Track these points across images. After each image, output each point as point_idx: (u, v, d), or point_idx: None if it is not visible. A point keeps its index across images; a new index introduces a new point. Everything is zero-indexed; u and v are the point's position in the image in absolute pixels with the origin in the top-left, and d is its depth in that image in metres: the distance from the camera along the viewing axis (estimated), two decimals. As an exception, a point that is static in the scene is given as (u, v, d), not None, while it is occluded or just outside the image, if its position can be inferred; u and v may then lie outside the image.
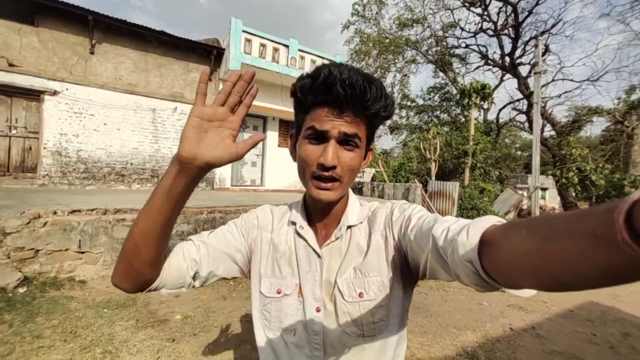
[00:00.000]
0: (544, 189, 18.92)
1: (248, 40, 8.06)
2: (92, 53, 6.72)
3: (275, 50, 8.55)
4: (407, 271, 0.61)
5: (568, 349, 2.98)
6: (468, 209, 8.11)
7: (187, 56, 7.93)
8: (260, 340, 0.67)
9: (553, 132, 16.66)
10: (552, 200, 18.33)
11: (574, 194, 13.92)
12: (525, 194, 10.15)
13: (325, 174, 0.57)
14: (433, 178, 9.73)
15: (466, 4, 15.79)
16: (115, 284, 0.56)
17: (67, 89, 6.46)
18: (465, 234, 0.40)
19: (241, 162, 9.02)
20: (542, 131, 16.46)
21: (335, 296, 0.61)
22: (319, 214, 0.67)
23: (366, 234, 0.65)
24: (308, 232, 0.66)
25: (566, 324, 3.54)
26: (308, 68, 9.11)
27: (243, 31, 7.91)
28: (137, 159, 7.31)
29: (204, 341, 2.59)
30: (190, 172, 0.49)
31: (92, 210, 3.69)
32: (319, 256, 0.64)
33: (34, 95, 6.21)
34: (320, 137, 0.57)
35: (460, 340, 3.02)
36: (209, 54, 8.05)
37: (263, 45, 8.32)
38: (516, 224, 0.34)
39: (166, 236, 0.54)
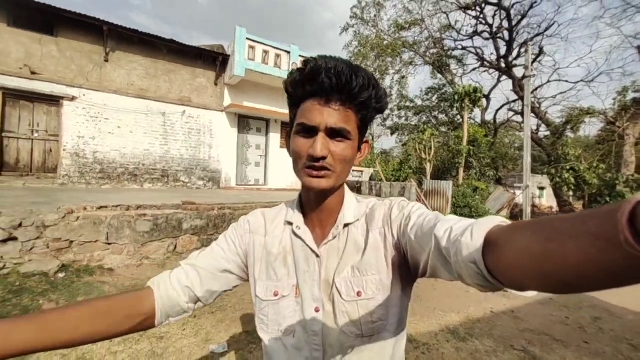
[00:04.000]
0: (541, 188, 19.26)
1: (252, 48, 8.48)
2: (106, 61, 7.15)
3: (278, 56, 8.97)
4: (406, 270, 0.60)
5: (540, 328, 3.36)
6: (461, 207, 8.53)
7: (194, 62, 8.36)
8: (263, 344, 0.67)
9: (548, 133, 17.04)
10: (549, 199, 18.65)
11: (570, 193, 14.31)
12: (517, 192, 10.55)
13: (316, 164, 0.57)
14: (428, 177, 10.16)
15: (462, 8, 16.19)
16: None
17: (84, 95, 6.91)
18: (469, 234, 0.40)
19: (245, 162, 9.45)
20: (537, 131, 16.86)
21: (334, 295, 0.61)
22: (315, 211, 0.66)
23: (364, 231, 0.64)
24: (305, 232, 0.66)
25: (543, 309, 3.90)
26: (309, 73, 9.54)
27: (247, 39, 8.33)
28: (148, 160, 7.75)
29: (221, 317, 3.02)
30: None
31: (117, 206, 4.12)
32: (317, 256, 0.64)
33: (54, 101, 6.67)
34: (310, 131, 0.57)
35: (445, 320, 3.40)
36: (215, 60, 8.48)
37: (266, 52, 8.74)
38: (521, 225, 0.34)
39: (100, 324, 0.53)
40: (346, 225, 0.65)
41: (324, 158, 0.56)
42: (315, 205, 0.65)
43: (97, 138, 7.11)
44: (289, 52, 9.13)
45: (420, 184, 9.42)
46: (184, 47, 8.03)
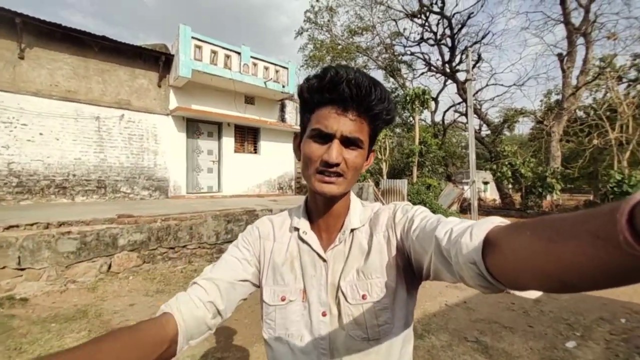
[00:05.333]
0: (485, 183, 20.97)
1: (198, 47, 8.00)
2: (21, 58, 6.20)
3: (227, 57, 8.58)
4: (410, 272, 0.61)
5: (489, 316, 3.51)
6: (416, 204, 8.84)
7: (132, 62, 7.64)
8: (268, 351, 0.67)
9: (489, 132, 18.64)
10: (492, 193, 20.39)
11: (509, 185, 15.73)
12: (465, 187, 11.27)
13: (329, 169, 0.58)
14: (385, 177, 10.44)
15: (409, 16, 17.10)
16: None
17: (-8, 97, 5.91)
18: (468, 235, 0.40)
19: (197, 168, 8.86)
20: (479, 131, 18.35)
21: (340, 299, 0.62)
22: (322, 216, 0.67)
23: (367, 235, 0.66)
24: (312, 237, 0.67)
25: (491, 296, 4.09)
26: (261, 75, 9.28)
27: (193, 37, 7.84)
28: (80, 169, 6.86)
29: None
30: None
31: (32, 224, 3.51)
32: (324, 260, 0.65)
33: (-48, 104, 5.60)
34: (325, 137, 0.58)
35: (403, 318, 3.40)
36: (157, 60, 7.84)
37: (214, 52, 8.31)
38: (520, 225, 0.34)
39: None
40: (352, 230, 0.66)
41: (337, 165, 0.58)
42: (322, 210, 0.66)
43: (13, 147, 6.10)
44: (239, 53, 8.78)
45: (377, 183, 9.61)
46: (120, 45, 7.30)
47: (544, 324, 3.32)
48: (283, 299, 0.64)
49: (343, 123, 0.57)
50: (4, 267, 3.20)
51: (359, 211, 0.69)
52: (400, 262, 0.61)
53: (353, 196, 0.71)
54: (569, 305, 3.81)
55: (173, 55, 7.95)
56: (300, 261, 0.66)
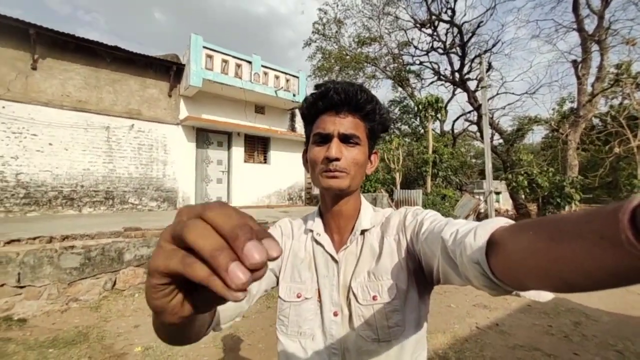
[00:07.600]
0: (497, 193, 20.40)
1: (209, 57, 7.96)
2: (34, 69, 6.20)
3: (238, 66, 8.52)
4: (422, 276, 0.61)
5: (528, 341, 3.16)
6: (432, 215, 8.50)
7: (144, 72, 7.62)
8: (279, 347, 0.67)
9: (501, 140, 18.23)
10: (505, 203, 19.79)
11: (523, 196, 15.22)
12: (481, 198, 10.87)
13: (331, 167, 0.62)
14: (398, 187, 10.12)
15: (417, 25, 17.06)
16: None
17: (3, 107, 5.86)
18: (472, 235, 0.40)
19: (206, 179, 8.70)
20: (491, 140, 17.96)
21: (350, 299, 0.63)
22: (334, 217, 0.69)
23: (379, 237, 0.67)
24: (325, 238, 0.69)
25: (525, 318, 3.76)
26: (272, 84, 9.19)
27: (204, 47, 7.81)
28: (88, 180, 6.75)
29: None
30: None
31: (34, 238, 3.32)
32: (336, 261, 0.66)
33: (-39, 115, 5.55)
34: (325, 139, 0.63)
35: (432, 344, 3.09)
36: (168, 69, 7.81)
37: (225, 62, 8.26)
38: (524, 225, 0.34)
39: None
40: (363, 232, 0.68)
41: (337, 159, 0.62)
42: (332, 208, 0.69)
43: (22, 157, 6.02)
44: (250, 62, 8.73)
45: (390, 194, 9.30)
46: (132, 55, 7.29)
47: (591, 352, 2.95)
48: (299, 296, 0.66)
49: (339, 123, 0.62)
50: (2, 285, 2.99)
51: (369, 214, 0.70)
52: (410, 265, 0.62)
53: (364, 201, 0.73)
54: (612, 329, 3.45)
55: (184, 65, 7.92)
56: (314, 262, 0.68)
